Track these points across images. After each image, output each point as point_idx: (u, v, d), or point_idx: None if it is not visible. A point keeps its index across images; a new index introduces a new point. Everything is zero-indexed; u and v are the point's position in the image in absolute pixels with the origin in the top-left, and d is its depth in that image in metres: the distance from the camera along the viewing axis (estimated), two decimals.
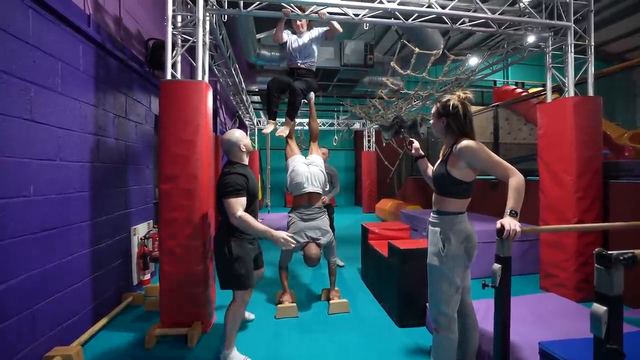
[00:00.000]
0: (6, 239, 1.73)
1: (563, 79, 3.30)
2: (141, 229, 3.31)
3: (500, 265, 1.42)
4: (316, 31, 3.16)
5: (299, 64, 3.15)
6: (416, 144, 1.98)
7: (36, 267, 1.94)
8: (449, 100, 1.70)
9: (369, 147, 10.22)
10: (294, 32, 3.20)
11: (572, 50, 3.23)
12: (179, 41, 2.64)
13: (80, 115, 2.38)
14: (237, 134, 2.14)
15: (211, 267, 2.61)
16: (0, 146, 1.71)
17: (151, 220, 3.60)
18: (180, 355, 2.21)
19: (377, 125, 8.66)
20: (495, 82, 10.50)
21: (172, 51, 2.58)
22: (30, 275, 1.89)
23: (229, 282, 2.05)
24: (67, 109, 2.24)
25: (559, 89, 3.54)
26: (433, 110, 1.80)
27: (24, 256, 1.85)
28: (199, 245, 2.45)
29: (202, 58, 2.63)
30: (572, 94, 3.22)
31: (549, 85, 3.47)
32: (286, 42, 3.17)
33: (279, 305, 2.80)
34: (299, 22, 3.11)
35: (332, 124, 10.05)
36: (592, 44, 3.24)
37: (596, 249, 1.01)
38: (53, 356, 1.96)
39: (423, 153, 2.00)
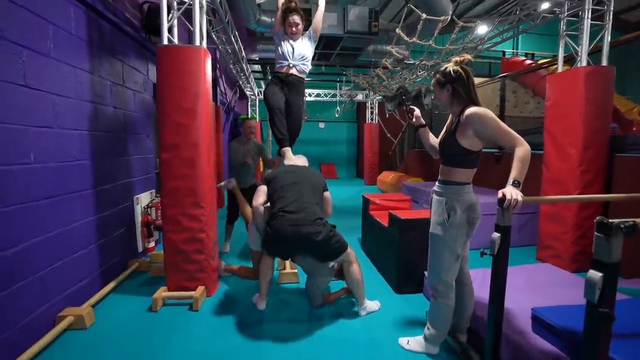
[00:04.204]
0: (10, 205, 1.75)
1: (576, 47, 3.16)
2: (144, 198, 3.34)
3: (499, 234, 1.43)
4: (308, 33, 2.80)
5: (290, 66, 2.72)
6: (417, 112, 1.93)
7: (40, 234, 1.97)
8: (447, 67, 1.65)
9: (371, 119, 10.07)
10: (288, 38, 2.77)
11: (589, 16, 3.07)
12: (175, 4, 2.51)
13: (76, 81, 2.32)
14: None
15: (213, 234, 2.66)
16: None
17: (153, 190, 3.63)
18: (186, 317, 2.31)
19: (380, 96, 8.47)
20: (504, 52, 10.10)
21: (168, 15, 2.46)
22: (34, 242, 1.92)
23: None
24: (62, 75, 2.18)
25: (569, 60, 3.41)
26: (433, 82, 1.75)
27: (29, 223, 1.88)
28: (202, 214, 2.48)
29: (200, 22, 2.52)
30: (584, 63, 3.10)
31: (561, 54, 3.33)
32: (280, 36, 2.75)
33: (280, 271, 2.90)
34: (294, 29, 2.69)
35: (334, 95, 9.84)
36: (612, 9, 3.06)
37: (597, 217, 1.01)
38: (66, 315, 2.07)
39: (424, 122, 1.96)
